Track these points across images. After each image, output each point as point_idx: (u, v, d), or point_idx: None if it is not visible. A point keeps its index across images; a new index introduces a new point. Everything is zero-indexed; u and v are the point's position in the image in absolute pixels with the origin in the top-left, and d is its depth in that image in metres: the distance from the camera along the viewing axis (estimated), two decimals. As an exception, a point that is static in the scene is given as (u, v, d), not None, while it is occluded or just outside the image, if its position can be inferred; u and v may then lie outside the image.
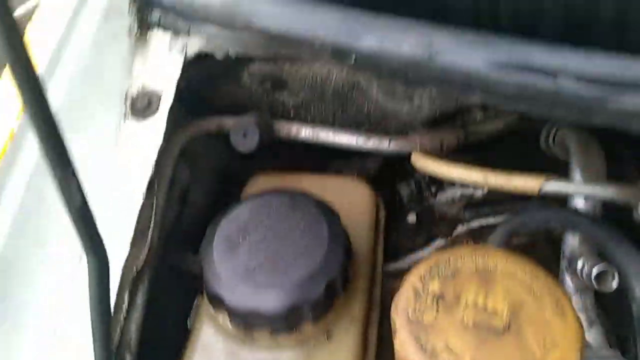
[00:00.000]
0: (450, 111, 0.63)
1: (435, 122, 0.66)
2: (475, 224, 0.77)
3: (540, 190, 0.49)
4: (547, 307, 0.40)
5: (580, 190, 0.51)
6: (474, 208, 0.84)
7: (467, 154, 0.75)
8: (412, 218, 0.84)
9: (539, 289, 0.42)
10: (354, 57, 0.46)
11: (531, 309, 0.40)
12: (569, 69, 0.36)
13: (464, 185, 0.90)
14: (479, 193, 0.90)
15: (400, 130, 0.68)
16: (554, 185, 0.49)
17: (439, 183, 0.93)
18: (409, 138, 0.68)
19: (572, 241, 0.59)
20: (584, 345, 0.39)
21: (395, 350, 0.41)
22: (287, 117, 0.71)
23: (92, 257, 0.31)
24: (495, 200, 0.79)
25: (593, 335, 0.56)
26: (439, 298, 0.42)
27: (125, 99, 0.58)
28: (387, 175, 0.89)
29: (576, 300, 0.58)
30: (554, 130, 0.70)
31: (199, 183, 0.79)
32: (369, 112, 0.65)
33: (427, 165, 0.58)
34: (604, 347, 0.56)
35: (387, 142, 0.67)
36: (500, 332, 0.39)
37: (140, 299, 0.55)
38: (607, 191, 0.49)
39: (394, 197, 0.91)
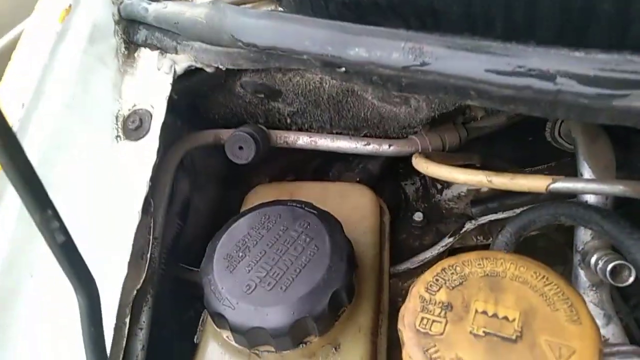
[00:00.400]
0: (449, 111, 0.61)
1: (435, 122, 0.64)
2: (484, 220, 0.75)
3: (547, 189, 0.48)
4: (561, 312, 0.38)
5: (589, 188, 0.49)
6: (481, 203, 0.82)
7: (470, 146, 0.73)
8: (418, 216, 0.82)
9: (551, 293, 0.40)
10: (343, 68, 0.44)
11: (544, 315, 0.38)
12: (567, 70, 0.34)
13: (469, 180, 0.89)
14: (485, 188, 0.88)
15: (400, 131, 0.67)
16: (561, 185, 0.47)
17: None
18: (409, 140, 0.66)
19: (583, 235, 0.57)
20: (602, 349, 0.37)
21: (403, 364, 0.39)
22: (284, 124, 0.70)
23: (81, 293, 0.30)
24: (503, 194, 0.77)
25: (611, 331, 0.54)
26: (447, 308, 0.40)
27: (116, 120, 0.57)
28: (391, 174, 0.87)
29: (592, 296, 0.56)
30: (559, 122, 0.68)
31: (200, 193, 0.79)
32: (366, 116, 0.64)
33: (429, 168, 0.57)
34: (624, 342, 0.54)
35: (387, 145, 0.65)
36: (513, 340, 0.37)
37: (145, 317, 0.55)
38: (616, 188, 0.47)
39: (399, 196, 0.90)
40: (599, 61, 0.34)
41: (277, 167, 0.81)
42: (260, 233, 0.52)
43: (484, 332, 0.38)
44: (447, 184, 0.90)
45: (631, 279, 0.51)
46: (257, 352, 0.48)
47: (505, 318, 0.39)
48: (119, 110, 0.58)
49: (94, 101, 0.56)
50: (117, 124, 0.57)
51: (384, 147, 0.65)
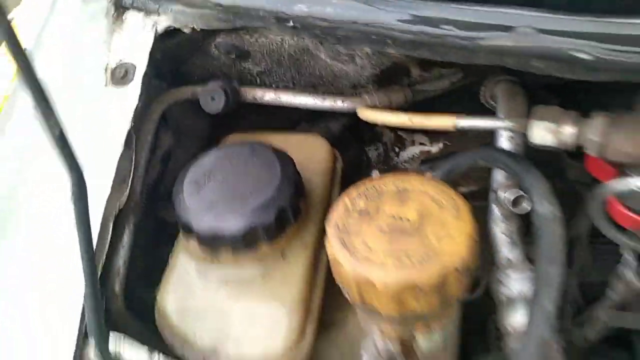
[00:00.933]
0: (390, 70, 0.71)
1: (382, 82, 0.74)
2: (428, 175, 0.86)
3: (455, 126, 0.58)
4: (448, 213, 0.49)
5: (484, 124, 0.59)
6: (430, 162, 0.93)
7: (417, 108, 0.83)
8: (375, 173, 0.93)
9: (445, 202, 0.51)
10: (291, 22, 0.55)
11: (436, 216, 0.49)
12: (448, 18, 0.45)
13: (422, 143, 1.00)
14: (435, 149, 0.99)
15: (352, 89, 0.77)
16: (465, 122, 0.57)
17: (402, 144, 1.03)
18: (360, 97, 0.77)
19: (497, 176, 0.67)
20: (477, 240, 0.48)
21: (327, 254, 0.50)
22: (254, 83, 0.80)
23: (72, 172, 0.40)
24: (448, 155, 0.88)
25: (515, 255, 0.65)
26: (363, 213, 0.51)
27: (106, 70, 0.67)
28: (356, 139, 0.98)
29: (502, 226, 0.67)
30: (489, 85, 0.78)
31: (182, 149, 0.89)
32: (321, 74, 0.74)
33: (370, 115, 0.67)
34: (523, 265, 0.65)
35: (341, 101, 0.76)
36: (409, 233, 0.48)
37: (126, 238, 0.65)
38: (505, 123, 0.57)
39: (361, 158, 1.01)
40: (471, 10, 0.44)
41: (251, 126, 0.91)
42: (224, 164, 0.62)
43: (388, 227, 0.49)
44: (403, 148, 1.01)
45: (529, 208, 0.62)
46: (217, 256, 0.58)
47: (407, 219, 0.50)
48: (107, 63, 0.68)
49: (87, 53, 0.67)
50: (106, 73, 0.67)
51: (338, 103, 0.76)
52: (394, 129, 0.94)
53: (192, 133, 0.91)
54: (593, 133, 0.54)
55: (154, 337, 0.60)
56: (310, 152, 0.73)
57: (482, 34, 0.43)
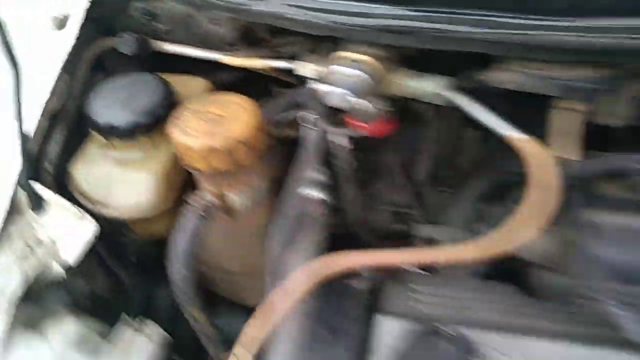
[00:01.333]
0: (248, 32, 1.02)
1: (245, 40, 1.05)
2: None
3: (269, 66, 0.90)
4: (244, 112, 0.81)
5: (287, 66, 0.91)
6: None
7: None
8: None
9: (246, 106, 0.82)
10: None
11: (237, 113, 0.81)
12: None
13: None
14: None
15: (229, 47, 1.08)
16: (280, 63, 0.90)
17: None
18: (235, 52, 1.08)
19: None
20: (261, 126, 0.79)
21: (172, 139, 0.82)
22: (163, 39, 1.11)
23: (12, 67, 0.71)
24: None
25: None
26: (194, 111, 0.82)
27: (48, 17, 0.98)
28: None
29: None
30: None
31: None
32: (207, 34, 1.05)
33: (237, 61, 0.98)
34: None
35: (223, 54, 1.07)
36: (218, 121, 0.80)
37: (60, 134, 0.95)
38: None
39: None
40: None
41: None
42: (122, 84, 0.93)
43: (207, 119, 0.80)
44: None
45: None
46: (112, 143, 0.89)
47: (220, 115, 0.81)
48: (50, 10, 0.98)
49: (33, 3, 0.97)
50: (49, 20, 0.97)
51: (220, 56, 1.06)
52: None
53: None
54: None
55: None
56: (190, 85, 1.04)
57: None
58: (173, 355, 0.90)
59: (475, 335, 0.74)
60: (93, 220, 0.84)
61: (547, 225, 0.67)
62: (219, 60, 1.04)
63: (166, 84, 0.94)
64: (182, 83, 1.02)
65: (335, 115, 0.89)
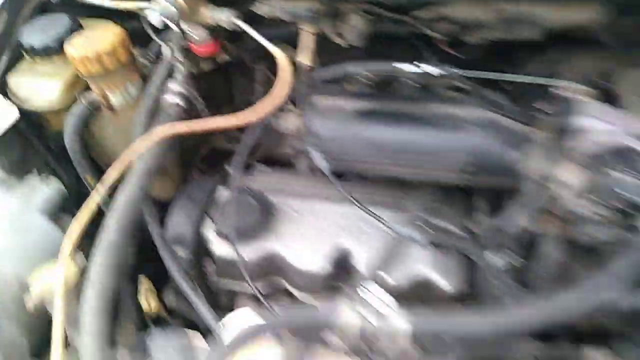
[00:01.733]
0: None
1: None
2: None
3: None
4: (112, 32, 1.21)
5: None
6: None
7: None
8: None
9: (114, 29, 1.22)
10: None
11: (105, 33, 1.21)
12: None
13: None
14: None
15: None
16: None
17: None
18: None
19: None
20: (122, 42, 1.19)
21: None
22: None
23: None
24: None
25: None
26: (81, 35, 1.23)
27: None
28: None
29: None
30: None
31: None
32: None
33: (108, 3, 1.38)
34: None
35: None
36: (92, 38, 1.20)
37: (6, 57, 1.37)
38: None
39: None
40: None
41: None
42: (46, 21, 1.34)
43: (84, 37, 1.21)
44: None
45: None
46: (34, 60, 1.30)
47: (95, 35, 1.21)
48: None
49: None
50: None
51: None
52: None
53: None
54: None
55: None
56: (103, 27, 1.44)
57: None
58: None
59: (278, 199, 1.20)
60: (16, 109, 1.26)
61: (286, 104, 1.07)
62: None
63: (75, 21, 1.35)
64: (96, 25, 1.42)
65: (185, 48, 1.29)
